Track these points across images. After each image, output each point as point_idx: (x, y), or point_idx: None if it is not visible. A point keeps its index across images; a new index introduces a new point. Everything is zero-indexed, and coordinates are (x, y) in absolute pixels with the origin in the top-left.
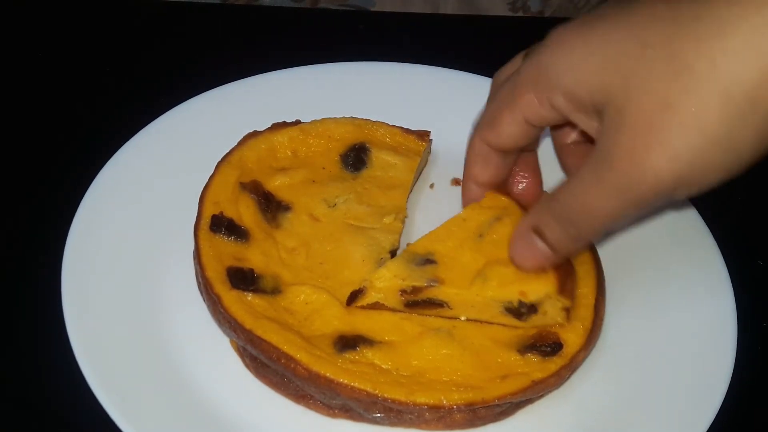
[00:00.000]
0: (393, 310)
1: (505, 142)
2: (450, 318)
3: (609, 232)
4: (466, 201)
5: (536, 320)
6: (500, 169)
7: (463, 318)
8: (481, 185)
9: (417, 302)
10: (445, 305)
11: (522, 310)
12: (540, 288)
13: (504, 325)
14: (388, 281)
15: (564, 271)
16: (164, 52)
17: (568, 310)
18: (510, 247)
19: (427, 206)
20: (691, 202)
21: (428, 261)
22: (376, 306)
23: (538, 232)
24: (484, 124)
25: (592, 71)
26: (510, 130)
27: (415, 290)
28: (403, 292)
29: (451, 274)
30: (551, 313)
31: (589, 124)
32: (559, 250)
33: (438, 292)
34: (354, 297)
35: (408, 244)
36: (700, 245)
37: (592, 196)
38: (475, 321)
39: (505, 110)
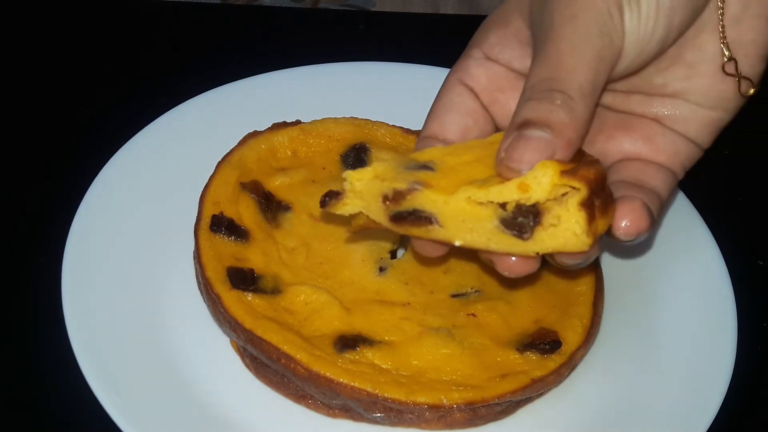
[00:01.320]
0: (376, 226)
1: (445, 127)
2: (442, 243)
3: (592, 83)
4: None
5: (547, 237)
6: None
7: (457, 243)
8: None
9: (402, 214)
10: (433, 220)
11: (520, 220)
12: (540, 171)
13: (505, 253)
14: (368, 182)
15: (597, 167)
16: (164, 52)
17: (588, 207)
18: (504, 156)
19: None
20: (691, 202)
21: (425, 167)
22: (367, 220)
23: (524, 124)
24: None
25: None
26: (446, 107)
27: (397, 195)
28: (386, 198)
29: (445, 181)
30: (565, 215)
31: (526, 63)
32: (552, 122)
33: (423, 199)
34: (329, 198)
35: (407, 245)
36: (700, 245)
37: (553, 56)
38: (470, 249)
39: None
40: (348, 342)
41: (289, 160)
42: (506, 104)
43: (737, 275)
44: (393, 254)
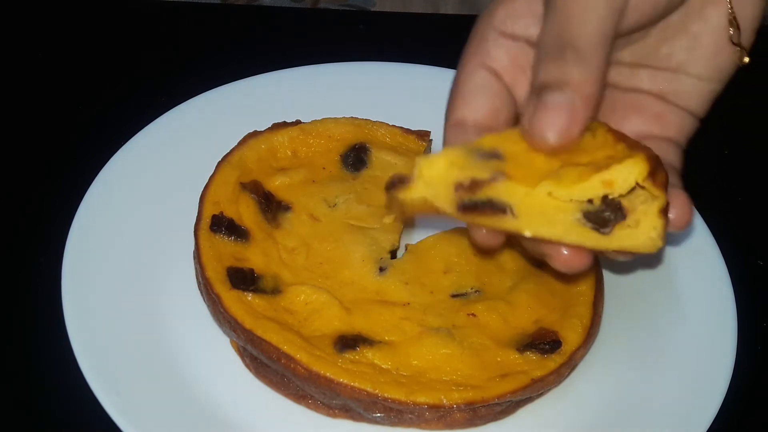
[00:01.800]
0: (439, 213)
1: (475, 113)
2: (511, 232)
3: (603, 36)
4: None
5: (624, 236)
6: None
7: (527, 233)
8: (479, 125)
9: (475, 204)
10: (508, 210)
11: (606, 215)
12: (628, 171)
13: (578, 245)
14: (442, 170)
15: (649, 151)
16: (164, 52)
17: (665, 214)
18: (530, 127)
19: None
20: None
21: (494, 155)
22: (425, 207)
23: (542, 87)
24: (448, 106)
25: None
26: (473, 92)
27: (474, 185)
28: (459, 186)
29: (520, 171)
30: (644, 219)
31: None
32: (568, 81)
33: (502, 190)
34: (395, 183)
35: (407, 245)
36: (700, 245)
37: (561, 14)
38: (541, 241)
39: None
40: (348, 342)
41: (289, 160)
42: (527, 85)
43: (737, 275)
44: (393, 254)
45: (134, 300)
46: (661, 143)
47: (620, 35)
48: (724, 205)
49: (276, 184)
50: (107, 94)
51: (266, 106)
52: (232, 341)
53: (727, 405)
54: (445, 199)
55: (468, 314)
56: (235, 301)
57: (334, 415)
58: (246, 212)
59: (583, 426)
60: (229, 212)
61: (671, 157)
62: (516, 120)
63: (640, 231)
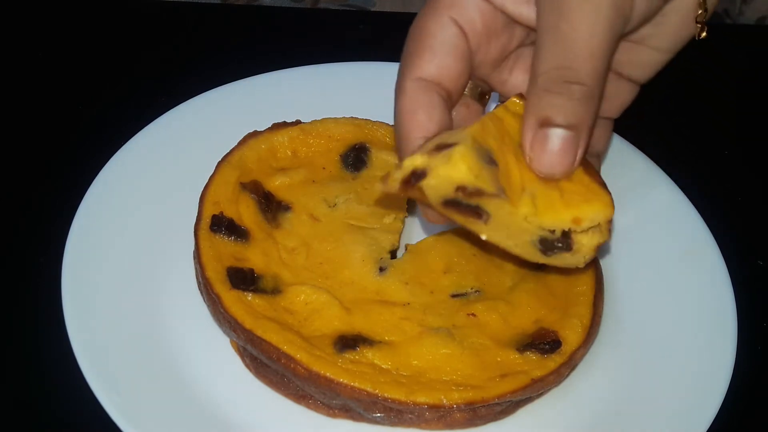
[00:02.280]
0: (419, 199)
1: (441, 71)
2: (470, 230)
3: (607, 65)
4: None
5: (559, 258)
6: (447, 116)
7: (483, 237)
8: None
9: (460, 204)
10: (484, 217)
11: (557, 245)
12: (596, 213)
13: (519, 257)
14: (458, 171)
15: (610, 196)
16: (164, 52)
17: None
18: (533, 159)
19: None
20: (691, 202)
21: (491, 161)
22: (413, 193)
23: (546, 122)
24: (409, 55)
25: None
26: (442, 48)
27: (477, 194)
28: (462, 189)
29: (508, 183)
30: (583, 250)
31: (521, 9)
32: (575, 121)
33: (492, 205)
34: (414, 179)
35: (407, 245)
36: (700, 245)
37: (568, 37)
38: (494, 245)
39: (430, 19)
40: (348, 342)
41: (289, 160)
42: (488, 54)
43: (737, 275)
44: (393, 254)
45: (134, 300)
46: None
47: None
48: (724, 205)
49: (276, 184)
50: (107, 94)
51: (266, 106)
52: (232, 341)
53: (727, 405)
54: (437, 193)
55: (468, 314)
56: (235, 301)
57: (334, 415)
58: (246, 212)
59: (583, 426)
60: (229, 212)
61: (598, 142)
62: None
63: (574, 258)
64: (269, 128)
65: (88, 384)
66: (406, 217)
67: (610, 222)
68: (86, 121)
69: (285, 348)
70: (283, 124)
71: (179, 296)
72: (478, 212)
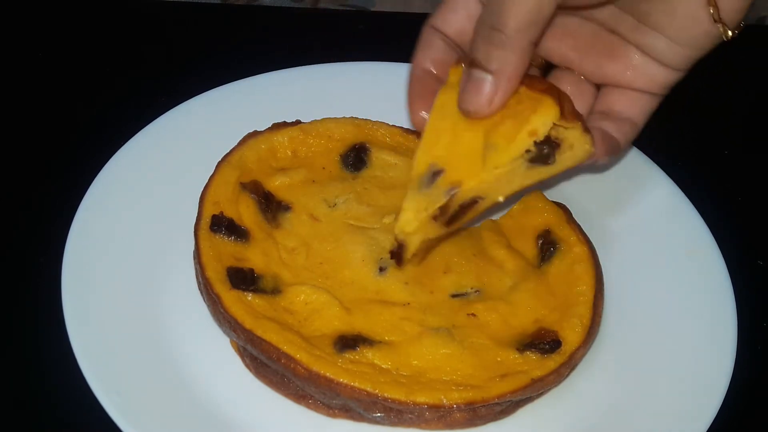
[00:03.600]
0: (439, 239)
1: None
2: (488, 205)
3: (535, 32)
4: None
5: (566, 158)
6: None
7: (501, 199)
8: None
9: (454, 216)
10: (478, 200)
11: (545, 152)
12: (544, 118)
13: (539, 182)
14: (416, 222)
15: (553, 92)
16: (164, 52)
17: (587, 130)
18: (460, 101)
19: None
20: (691, 201)
21: (434, 174)
22: (426, 242)
23: (472, 63)
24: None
25: None
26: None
27: (442, 210)
28: (435, 218)
29: (462, 170)
30: (575, 141)
31: None
32: (495, 66)
33: (462, 195)
34: (398, 256)
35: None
36: (700, 245)
37: None
38: (509, 196)
39: None
40: (348, 342)
41: (289, 160)
42: None
43: (737, 275)
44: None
45: (134, 300)
46: (625, 95)
47: (577, 8)
48: (724, 205)
49: (276, 184)
50: (107, 94)
51: (266, 106)
52: (232, 341)
53: (727, 405)
54: (433, 231)
55: (468, 314)
56: (235, 301)
57: (334, 415)
58: (246, 212)
59: (583, 426)
60: (229, 212)
61: (633, 111)
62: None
63: (576, 149)
64: (269, 128)
65: (88, 384)
66: None
67: (568, 114)
68: (86, 121)
69: (285, 348)
70: (283, 124)
71: (179, 296)
72: (469, 204)
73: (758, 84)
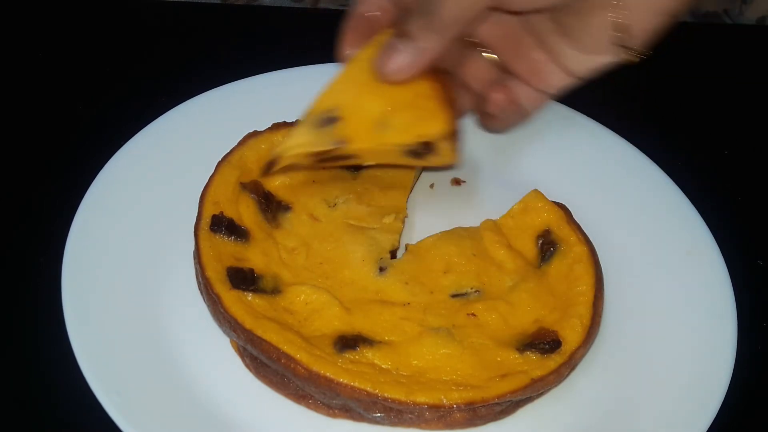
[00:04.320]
0: (304, 167)
1: None
2: (356, 163)
3: (467, 26)
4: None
5: (432, 160)
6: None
7: (368, 163)
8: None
9: (326, 159)
10: (354, 156)
11: (420, 151)
12: (435, 131)
13: (402, 166)
14: (297, 150)
15: (454, 108)
16: (164, 52)
17: (457, 149)
18: (377, 65)
19: (427, 206)
20: (691, 201)
21: (331, 119)
22: (291, 167)
23: (403, 34)
24: None
25: None
26: None
27: (323, 154)
28: (313, 156)
29: (355, 130)
30: (446, 153)
31: None
32: (420, 42)
33: (345, 150)
34: (269, 167)
35: (407, 245)
36: (700, 245)
37: None
38: (378, 165)
39: None
40: (348, 342)
41: None
42: None
43: (737, 275)
44: (393, 254)
45: (134, 300)
46: (529, 93)
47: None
48: (724, 205)
49: (276, 184)
50: (107, 94)
51: (266, 106)
52: (232, 341)
53: (727, 405)
54: (305, 161)
55: (468, 314)
56: (235, 301)
57: (334, 415)
58: (246, 212)
59: (583, 426)
60: (229, 212)
61: (528, 101)
62: None
63: (444, 157)
64: (269, 128)
65: (88, 384)
66: (406, 217)
67: (450, 135)
68: (86, 121)
69: (285, 348)
70: (283, 124)
71: (179, 296)
72: (347, 156)
73: (758, 84)
